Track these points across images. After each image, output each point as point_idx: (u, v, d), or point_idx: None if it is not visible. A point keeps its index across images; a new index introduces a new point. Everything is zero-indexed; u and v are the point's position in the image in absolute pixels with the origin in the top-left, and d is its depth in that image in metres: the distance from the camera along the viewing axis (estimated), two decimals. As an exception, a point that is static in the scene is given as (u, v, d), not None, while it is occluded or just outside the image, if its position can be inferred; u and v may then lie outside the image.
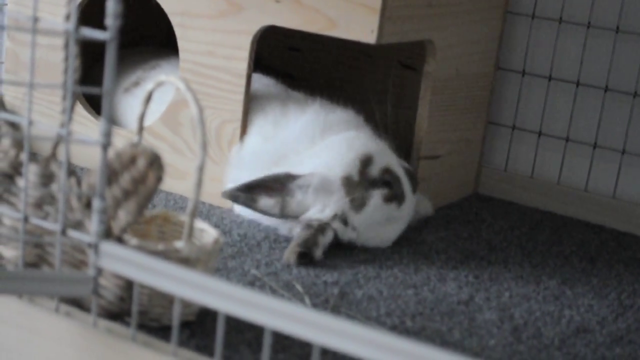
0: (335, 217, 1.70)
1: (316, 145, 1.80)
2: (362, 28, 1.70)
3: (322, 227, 1.68)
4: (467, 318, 1.50)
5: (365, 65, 2.31)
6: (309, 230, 1.67)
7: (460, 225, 1.98)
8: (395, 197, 1.75)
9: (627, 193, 2.15)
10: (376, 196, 1.73)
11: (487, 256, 1.80)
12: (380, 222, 1.75)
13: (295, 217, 1.72)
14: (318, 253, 1.65)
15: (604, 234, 2.05)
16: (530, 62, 2.22)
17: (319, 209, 1.71)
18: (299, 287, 1.52)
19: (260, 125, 1.86)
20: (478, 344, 1.41)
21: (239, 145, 1.85)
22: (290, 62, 2.41)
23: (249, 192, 1.71)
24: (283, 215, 1.72)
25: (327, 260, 1.67)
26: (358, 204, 1.72)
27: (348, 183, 1.72)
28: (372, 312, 1.47)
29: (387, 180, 1.74)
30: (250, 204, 1.71)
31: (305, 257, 1.63)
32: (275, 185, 1.72)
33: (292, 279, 1.56)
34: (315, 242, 1.66)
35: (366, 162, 1.75)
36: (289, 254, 1.63)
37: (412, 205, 1.81)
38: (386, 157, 1.79)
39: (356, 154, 1.76)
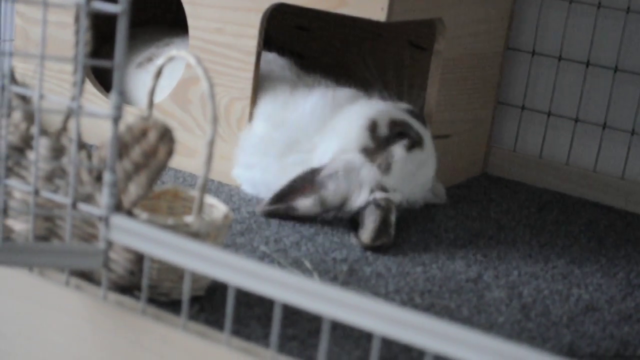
0: (373, 191, 1.70)
1: (326, 127, 1.80)
2: (372, 6, 1.70)
3: (389, 206, 1.68)
4: (476, 296, 1.50)
5: (375, 45, 2.30)
6: (379, 215, 1.67)
7: (468, 204, 1.98)
8: (414, 142, 1.74)
9: (636, 174, 2.15)
10: (398, 149, 1.72)
11: (495, 235, 1.80)
12: (413, 171, 1.74)
13: (337, 208, 1.72)
14: (391, 232, 1.66)
15: (613, 214, 2.05)
16: (540, 42, 2.22)
17: (357, 191, 1.71)
18: (307, 264, 1.53)
19: (269, 110, 1.85)
20: (487, 321, 1.41)
21: (247, 129, 1.85)
22: (299, 41, 2.41)
23: (284, 202, 1.71)
24: (325, 210, 1.71)
25: (336, 237, 1.67)
26: (385, 166, 1.71)
27: (368, 153, 1.72)
28: (380, 288, 1.47)
29: (399, 131, 1.74)
30: (290, 213, 1.71)
31: (381, 247, 1.64)
32: (305, 185, 1.71)
33: (301, 256, 1.56)
34: (387, 222, 1.67)
35: (372, 126, 1.74)
36: (367, 242, 1.63)
37: (430, 139, 1.80)
38: (386, 112, 1.78)
39: (360, 125, 1.75)
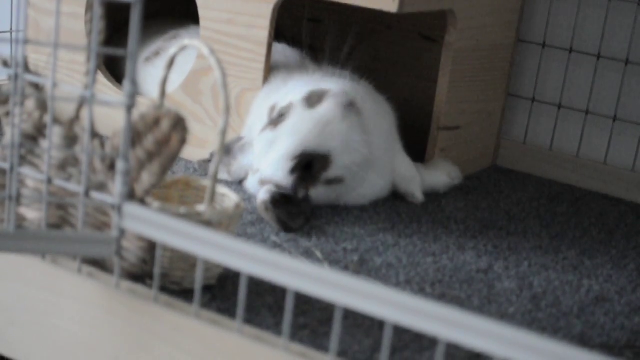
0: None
1: None
2: (384, -3, 1.70)
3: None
4: (487, 286, 1.50)
5: (385, 37, 2.30)
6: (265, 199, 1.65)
7: (479, 196, 1.98)
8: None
9: (647, 166, 2.15)
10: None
11: (506, 226, 1.80)
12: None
13: (244, 179, 1.77)
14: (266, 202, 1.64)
15: (623, 206, 2.05)
16: (551, 34, 2.22)
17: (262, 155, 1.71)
18: (318, 254, 1.53)
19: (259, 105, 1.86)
20: (497, 311, 1.41)
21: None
22: (310, 33, 2.40)
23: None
24: (233, 178, 1.78)
25: (347, 228, 1.67)
26: (277, 119, 1.72)
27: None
28: (391, 279, 1.48)
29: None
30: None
31: (285, 223, 1.62)
32: (227, 151, 1.77)
33: (312, 246, 1.56)
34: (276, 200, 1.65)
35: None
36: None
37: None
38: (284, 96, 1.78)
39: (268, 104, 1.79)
